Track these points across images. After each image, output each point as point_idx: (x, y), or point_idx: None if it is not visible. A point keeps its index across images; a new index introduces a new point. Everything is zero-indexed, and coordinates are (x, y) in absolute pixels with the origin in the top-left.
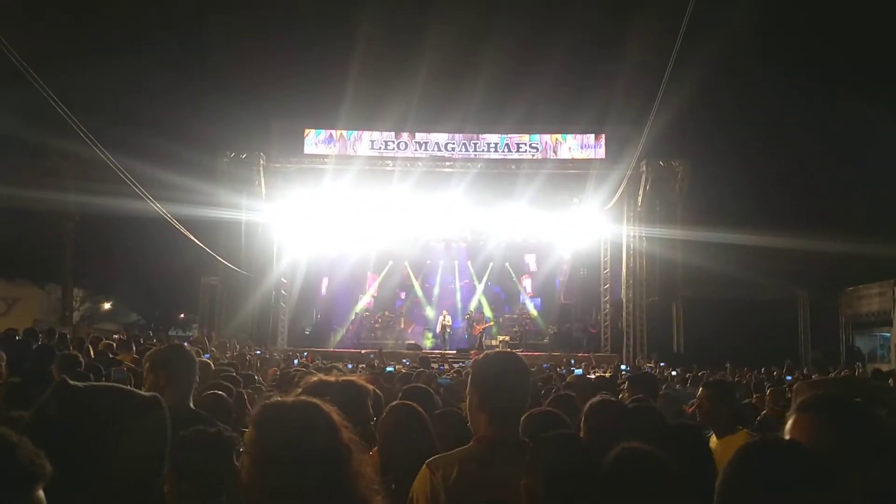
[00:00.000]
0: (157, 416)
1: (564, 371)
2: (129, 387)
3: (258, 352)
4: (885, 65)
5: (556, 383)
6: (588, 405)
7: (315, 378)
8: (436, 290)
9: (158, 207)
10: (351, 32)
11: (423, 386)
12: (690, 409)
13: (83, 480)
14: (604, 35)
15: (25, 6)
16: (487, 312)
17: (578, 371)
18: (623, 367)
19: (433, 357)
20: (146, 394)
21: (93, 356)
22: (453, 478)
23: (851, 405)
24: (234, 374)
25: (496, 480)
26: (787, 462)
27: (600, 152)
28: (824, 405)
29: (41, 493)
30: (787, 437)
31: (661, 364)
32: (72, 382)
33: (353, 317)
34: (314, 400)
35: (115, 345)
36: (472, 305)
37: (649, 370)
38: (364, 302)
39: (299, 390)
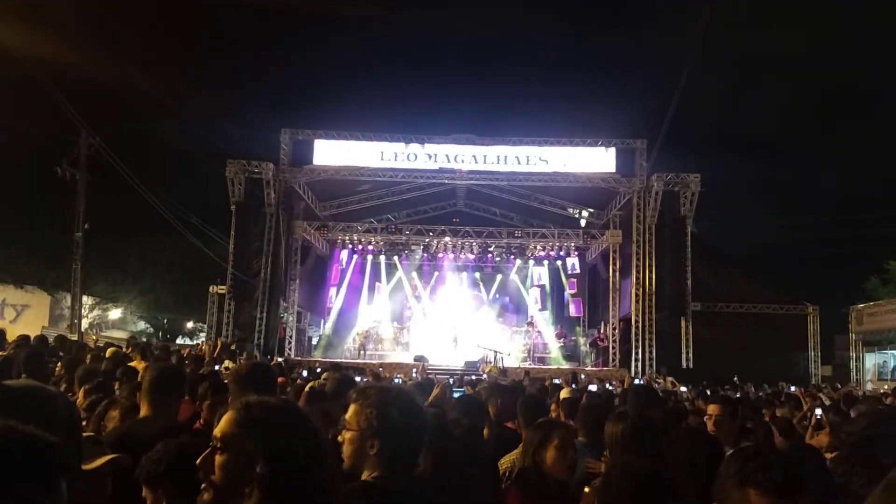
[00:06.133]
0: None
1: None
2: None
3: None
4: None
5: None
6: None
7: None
8: (444, 302)
9: (168, 216)
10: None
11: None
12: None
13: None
14: (616, 49)
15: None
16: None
17: (592, 387)
18: (637, 381)
19: (440, 369)
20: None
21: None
22: None
23: None
24: None
25: None
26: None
27: (610, 165)
28: None
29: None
30: None
31: (669, 379)
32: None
33: (360, 328)
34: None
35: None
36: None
37: (658, 385)
38: (372, 313)
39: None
